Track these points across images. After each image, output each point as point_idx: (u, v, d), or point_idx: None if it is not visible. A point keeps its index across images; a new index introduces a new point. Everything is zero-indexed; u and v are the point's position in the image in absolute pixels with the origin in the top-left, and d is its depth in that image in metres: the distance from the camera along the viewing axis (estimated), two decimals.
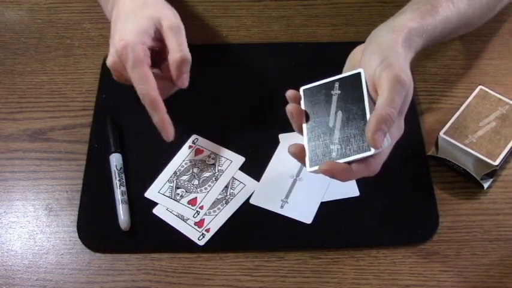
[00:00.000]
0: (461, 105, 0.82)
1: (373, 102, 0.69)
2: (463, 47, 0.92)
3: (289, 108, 0.72)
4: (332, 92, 0.72)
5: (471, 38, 0.92)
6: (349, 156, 0.68)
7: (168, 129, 0.76)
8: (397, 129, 0.70)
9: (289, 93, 0.73)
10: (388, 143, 0.68)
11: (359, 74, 0.71)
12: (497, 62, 0.91)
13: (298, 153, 0.70)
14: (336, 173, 0.67)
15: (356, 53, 0.76)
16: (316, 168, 0.68)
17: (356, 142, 0.68)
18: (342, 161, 0.68)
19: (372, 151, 0.66)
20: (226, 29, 0.96)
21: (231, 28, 0.96)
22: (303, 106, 0.73)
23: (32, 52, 0.94)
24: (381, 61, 0.70)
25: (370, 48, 0.73)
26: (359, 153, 0.67)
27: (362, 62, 0.72)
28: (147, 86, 0.75)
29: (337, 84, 0.72)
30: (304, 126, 0.72)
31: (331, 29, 0.95)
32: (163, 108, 0.76)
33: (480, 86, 0.84)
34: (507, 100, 0.82)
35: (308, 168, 0.69)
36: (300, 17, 0.97)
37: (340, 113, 0.70)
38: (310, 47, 0.93)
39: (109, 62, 0.79)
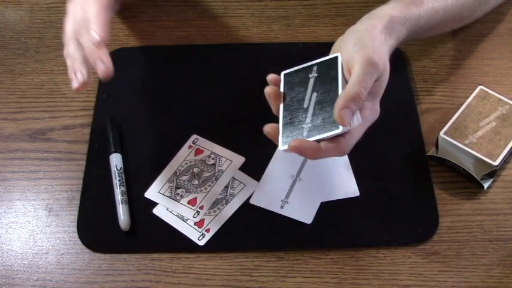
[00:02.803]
0: (461, 105, 0.82)
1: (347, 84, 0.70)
2: (463, 47, 0.92)
3: (267, 90, 0.73)
4: (309, 75, 0.74)
5: (471, 38, 0.92)
6: (318, 134, 0.68)
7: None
8: (371, 112, 0.71)
9: (270, 76, 0.75)
10: (358, 122, 0.69)
11: (336, 57, 0.73)
12: (497, 62, 0.91)
13: (272, 133, 0.72)
14: (304, 150, 0.68)
15: (338, 41, 0.77)
16: (286, 146, 0.69)
17: (326, 121, 0.69)
18: (311, 139, 0.69)
19: (340, 129, 0.67)
20: (226, 29, 0.96)
21: (231, 28, 0.96)
22: (282, 89, 0.74)
23: (32, 52, 0.94)
24: (355, 43, 0.71)
25: (348, 33, 0.75)
26: (327, 131, 0.68)
27: (340, 47, 0.74)
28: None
29: (315, 68, 0.74)
30: (281, 107, 0.73)
31: (331, 29, 0.95)
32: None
33: (480, 86, 0.84)
34: (507, 100, 0.82)
35: (280, 146, 0.71)
36: (300, 17, 0.97)
37: (314, 95, 0.71)
38: (310, 47, 0.93)
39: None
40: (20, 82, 0.91)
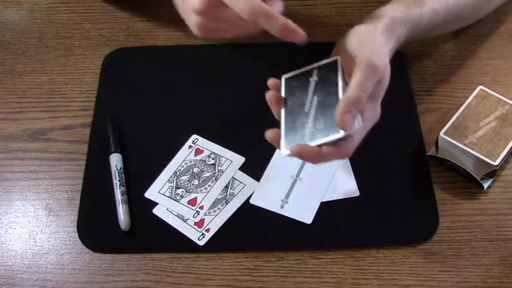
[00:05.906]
0: (461, 105, 0.82)
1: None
2: (463, 47, 0.92)
3: (268, 95, 0.73)
4: (310, 79, 0.74)
5: (471, 38, 0.92)
6: (319, 139, 0.69)
7: (296, 31, 0.69)
8: (372, 114, 0.71)
9: (270, 81, 0.74)
10: (359, 125, 0.69)
11: (336, 61, 0.73)
12: (497, 62, 0.91)
13: (274, 138, 0.72)
14: (305, 155, 0.69)
15: (341, 41, 0.77)
16: (288, 151, 0.69)
17: (327, 126, 0.69)
18: (313, 143, 0.69)
19: (341, 133, 0.67)
20: None
21: None
22: (283, 93, 0.74)
23: (32, 52, 0.94)
24: (356, 45, 0.71)
25: (350, 35, 0.74)
26: (328, 135, 0.68)
27: (341, 48, 0.74)
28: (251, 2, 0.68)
29: (315, 71, 0.74)
30: (282, 112, 0.73)
31: (331, 29, 0.95)
32: (278, 14, 0.69)
33: (480, 86, 0.84)
34: (507, 100, 0.82)
35: (282, 151, 0.71)
36: (300, 17, 0.96)
37: (315, 99, 0.72)
38: (310, 47, 0.93)
39: (199, 3, 0.71)
40: (20, 82, 0.91)
